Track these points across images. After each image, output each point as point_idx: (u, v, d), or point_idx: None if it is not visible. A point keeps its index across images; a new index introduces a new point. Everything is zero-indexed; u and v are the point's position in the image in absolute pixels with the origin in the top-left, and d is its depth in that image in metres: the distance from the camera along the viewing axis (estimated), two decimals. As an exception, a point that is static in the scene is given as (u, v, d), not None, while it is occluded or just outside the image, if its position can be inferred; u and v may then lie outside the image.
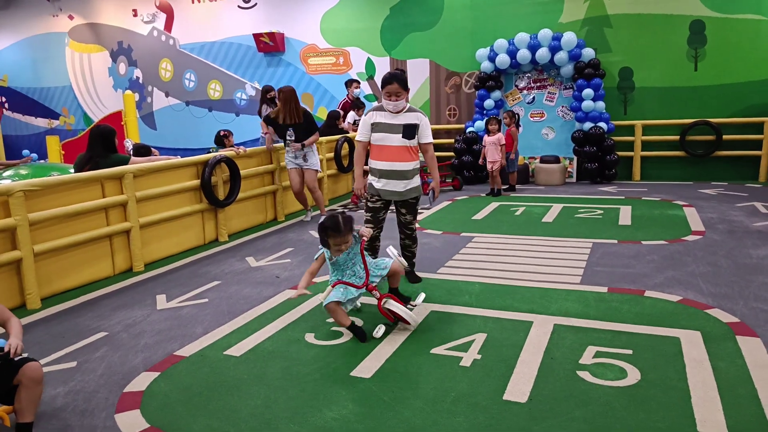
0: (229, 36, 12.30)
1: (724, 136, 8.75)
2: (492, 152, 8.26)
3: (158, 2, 12.89)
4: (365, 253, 3.68)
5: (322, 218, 3.58)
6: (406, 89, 4.17)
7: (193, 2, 12.53)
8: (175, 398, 2.90)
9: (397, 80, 4.09)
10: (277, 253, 5.66)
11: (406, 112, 4.21)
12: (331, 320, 3.81)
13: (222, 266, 5.36)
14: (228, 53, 12.43)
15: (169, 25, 12.91)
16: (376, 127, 4.24)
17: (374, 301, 3.74)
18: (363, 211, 4.22)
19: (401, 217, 4.46)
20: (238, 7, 12.09)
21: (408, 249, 4.56)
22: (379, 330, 3.56)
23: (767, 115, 8.59)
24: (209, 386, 3.01)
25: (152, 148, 7.06)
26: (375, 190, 4.34)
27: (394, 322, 3.64)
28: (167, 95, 13.30)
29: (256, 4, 11.91)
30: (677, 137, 9.03)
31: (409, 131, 4.19)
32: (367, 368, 3.13)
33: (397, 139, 4.19)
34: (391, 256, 3.75)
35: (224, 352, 3.42)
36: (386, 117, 4.21)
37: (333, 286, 3.53)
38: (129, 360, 3.38)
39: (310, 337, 3.59)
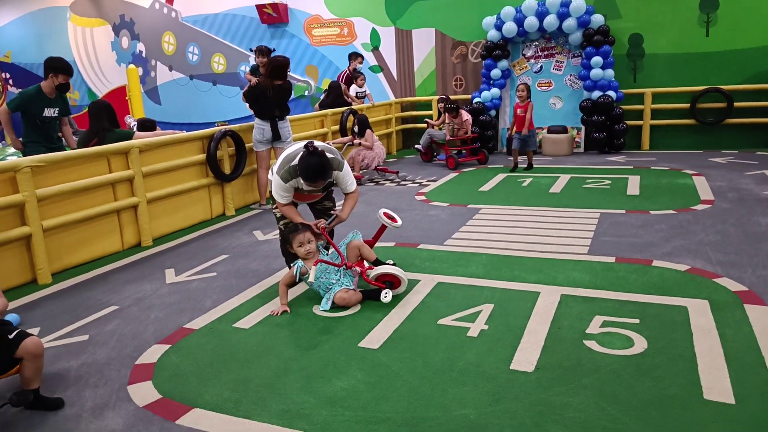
0: (232, 8, 12.14)
1: (736, 104, 8.61)
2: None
3: (159, -26, 12.71)
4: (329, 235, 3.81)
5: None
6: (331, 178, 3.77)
7: (194, -27, 12.34)
8: (187, 369, 2.94)
9: (322, 178, 3.63)
10: (284, 227, 5.68)
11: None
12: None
13: (230, 240, 5.38)
14: (231, 25, 12.28)
15: (170, -2, 12.74)
16: (296, 191, 3.84)
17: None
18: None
19: (317, 206, 4.13)
20: (240, -23, 11.89)
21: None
22: (387, 295, 3.60)
23: (780, 81, 8.43)
24: (220, 358, 3.05)
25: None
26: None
27: (384, 288, 3.66)
28: (171, 69, 13.21)
29: (258, -26, 11.71)
30: (687, 105, 8.90)
31: (328, 186, 3.98)
32: (375, 339, 3.15)
33: (318, 193, 4.00)
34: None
35: (233, 325, 3.45)
36: (301, 185, 3.78)
37: (315, 264, 3.61)
38: (140, 333, 3.43)
39: (317, 309, 3.62)
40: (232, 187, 6.45)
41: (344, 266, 3.70)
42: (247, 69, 6.77)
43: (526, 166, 7.99)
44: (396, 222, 4.09)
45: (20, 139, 5.66)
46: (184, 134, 6.00)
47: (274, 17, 11.51)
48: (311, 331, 3.31)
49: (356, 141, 7.79)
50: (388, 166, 8.82)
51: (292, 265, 3.71)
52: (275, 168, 3.80)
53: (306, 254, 3.66)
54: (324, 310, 3.58)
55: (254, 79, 6.69)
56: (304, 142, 3.64)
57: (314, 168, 3.57)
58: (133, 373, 2.95)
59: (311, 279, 3.60)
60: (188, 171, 5.94)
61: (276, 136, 6.37)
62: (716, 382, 2.54)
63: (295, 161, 3.64)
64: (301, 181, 3.69)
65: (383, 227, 4.17)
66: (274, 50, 6.90)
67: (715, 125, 8.84)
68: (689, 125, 9.04)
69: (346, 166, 3.86)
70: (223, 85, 12.66)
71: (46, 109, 5.48)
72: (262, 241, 5.29)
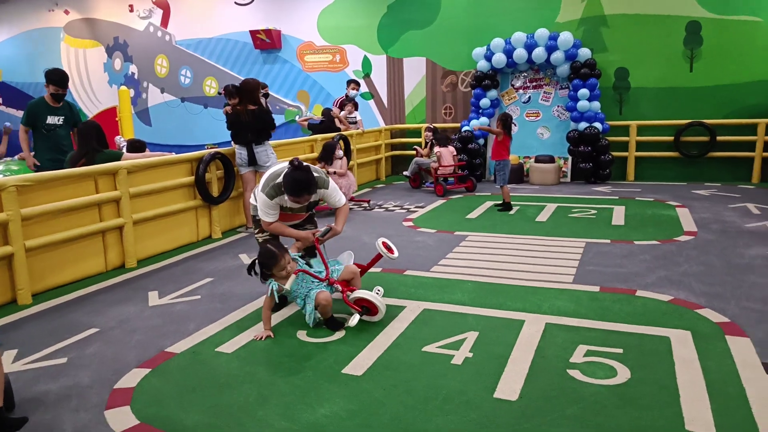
0: (226, 32, 12.28)
1: (718, 137, 8.78)
2: (447, 158, 8.43)
3: (154, -2, 12.86)
4: (321, 248, 3.79)
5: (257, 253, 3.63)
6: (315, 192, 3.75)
7: (189, -2, 12.50)
8: (167, 394, 2.90)
9: (308, 192, 3.61)
10: (271, 251, 5.66)
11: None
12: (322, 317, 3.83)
13: (215, 263, 5.35)
14: (224, 50, 12.40)
15: (165, 21, 12.88)
16: (282, 208, 3.82)
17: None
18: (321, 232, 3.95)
19: (299, 229, 4.01)
20: (235, 3, 12.07)
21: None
22: (354, 319, 3.61)
23: (761, 116, 8.62)
24: (201, 383, 3.01)
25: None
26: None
27: (361, 312, 3.66)
28: (162, 91, 13.27)
29: (252, 0, 11.88)
30: (672, 138, 9.07)
31: (312, 205, 3.97)
32: (358, 366, 3.13)
33: (301, 213, 3.98)
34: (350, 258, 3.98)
35: (216, 349, 3.42)
36: (289, 203, 3.76)
37: (296, 273, 3.56)
38: (121, 356, 3.38)
39: (302, 335, 3.59)
40: (219, 210, 6.44)
41: (327, 281, 3.69)
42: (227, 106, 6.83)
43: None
44: (393, 253, 4.06)
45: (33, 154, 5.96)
46: (173, 156, 6.00)
47: (268, 43, 11.65)
48: (294, 357, 3.28)
49: (330, 170, 7.43)
50: (372, 192, 8.85)
51: (267, 284, 3.64)
52: (259, 187, 3.80)
53: (283, 280, 3.58)
54: (311, 323, 3.60)
55: (228, 107, 6.74)
56: (288, 160, 3.66)
57: (300, 182, 3.55)
58: (112, 397, 2.90)
59: (287, 287, 3.51)
60: (176, 193, 5.93)
61: (252, 161, 6.36)
62: (698, 414, 2.55)
63: (280, 178, 3.64)
64: (286, 198, 3.68)
65: (379, 256, 4.13)
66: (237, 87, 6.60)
67: (699, 158, 9.00)
68: (673, 158, 9.20)
69: (332, 183, 3.87)
70: (214, 108, 12.72)
71: (49, 116, 5.89)
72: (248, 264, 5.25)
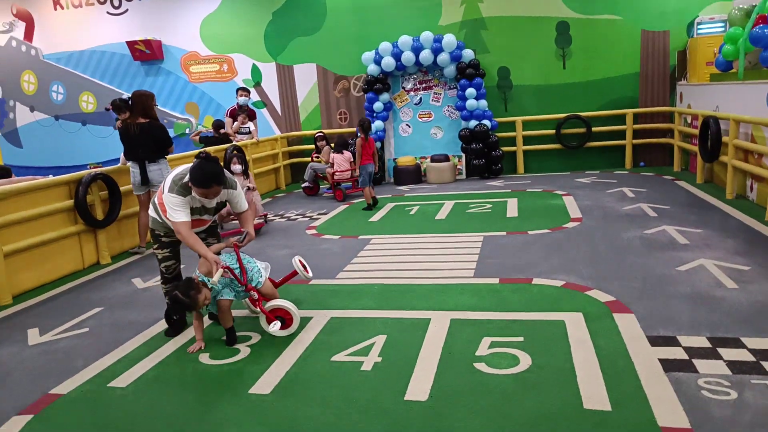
0: (100, 44, 11.50)
1: (594, 128, 9.47)
2: (342, 164, 8.50)
3: (15, 10, 11.80)
4: (240, 255, 3.73)
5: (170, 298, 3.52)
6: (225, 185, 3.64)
7: (55, 9, 11.59)
8: (53, 443, 2.63)
9: (217, 183, 3.47)
10: (166, 272, 5.35)
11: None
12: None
13: (105, 291, 4.97)
14: (100, 63, 11.62)
15: (29, 35, 11.85)
16: (192, 210, 3.60)
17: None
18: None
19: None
20: (108, 13, 11.34)
21: None
22: (275, 325, 3.58)
23: (628, 107, 9.41)
24: (94, 424, 2.76)
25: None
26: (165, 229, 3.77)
27: (273, 320, 3.61)
28: (32, 110, 12.20)
29: (127, 10, 11.23)
30: (553, 131, 9.66)
31: (220, 207, 3.83)
32: (266, 384, 3.02)
33: (207, 218, 3.76)
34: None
35: (108, 384, 3.16)
36: (201, 201, 3.61)
37: (223, 268, 3.49)
38: (-4, 406, 3.03)
39: (204, 358, 3.42)
40: (106, 233, 6.00)
41: (244, 286, 3.63)
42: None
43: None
44: (308, 273, 4.17)
45: None
46: (46, 180, 5.52)
47: (148, 54, 11.05)
48: (197, 383, 3.11)
49: (246, 183, 6.93)
50: (273, 202, 8.65)
51: (195, 275, 3.54)
52: (165, 189, 3.52)
53: (204, 301, 3.47)
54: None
55: (119, 122, 6.25)
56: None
57: (210, 173, 3.40)
58: (-13, 454, 2.59)
59: (215, 280, 3.42)
60: (54, 219, 5.45)
61: (144, 180, 5.90)
62: (594, 391, 2.70)
63: (187, 177, 3.47)
64: (195, 196, 3.49)
65: (294, 272, 4.14)
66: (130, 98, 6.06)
67: (578, 149, 9.66)
68: (557, 149, 9.80)
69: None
70: (93, 125, 11.88)
71: None
72: (143, 289, 4.94)
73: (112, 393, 3.07)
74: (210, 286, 3.48)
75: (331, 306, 4.11)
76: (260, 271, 3.78)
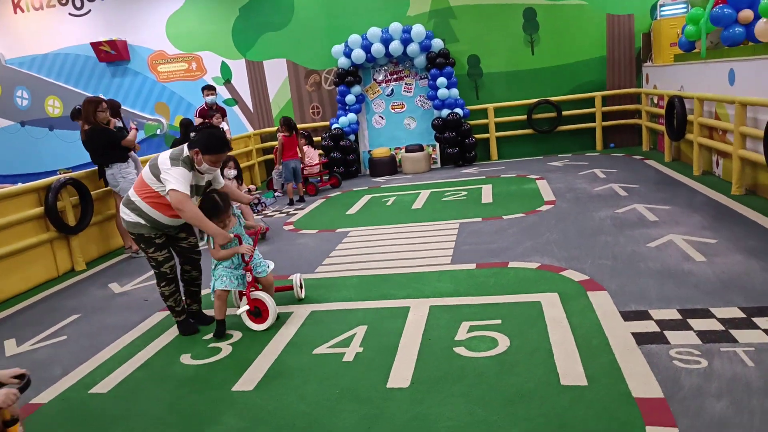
0: (64, 47, 11.24)
1: (564, 112, 9.59)
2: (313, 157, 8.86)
3: (-28, 13, 11.46)
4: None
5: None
6: None
7: (15, 12, 11.30)
8: (35, 451, 2.61)
9: (228, 147, 3.57)
10: (143, 275, 5.30)
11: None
12: (207, 337, 3.67)
13: (81, 297, 4.92)
14: (65, 66, 11.37)
15: (-11, 39, 11.53)
16: (192, 189, 3.54)
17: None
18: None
19: (182, 243, 3.84)
20: (70, 14, 11.10)
21: (194, 283, 3.94)
22: (244, 307, 3.67)
23: (596, 90, 9.55)
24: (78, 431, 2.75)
25: None
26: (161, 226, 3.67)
27: (253, 311, 3.69)
28: (-3, 117, 11.90)
29: (90, 10, 11.00)
30: (525, 117, 9.75)
31: (206, 189, 3.73)
32: (249, 380, 3.04)
33: (195, 201, 3.62)
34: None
35: (89, 391, 3.14)
36: (197, 179, 3.57)
37: (236, 236, 3.67)
38: (-25, 419, 2.99)
39: (186, 358, 3.41)
40: (80, 239, 5.92)
41: (246, 264, 3.70)
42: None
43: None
44: (302, 293, 4.22)
45: None
46: (14, 187, 5.42)
47: (113, 55, 10.85)
48: (179, 383, 3.11)
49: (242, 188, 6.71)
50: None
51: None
52: (166, 166, 3.41)
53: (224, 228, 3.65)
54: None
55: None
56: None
57: (220, 137, 3.49)
58: (-32, 467, 2.56)
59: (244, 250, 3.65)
60: (24, 227, 5.36)
61: (105, 183, 6.14)
62: (570, 368, 2.77)
63: (186, 152, 3.47)
64: (198, 168, 3.49)
65: (290, 287, 4.22)
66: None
67: (549, 133, 9.78)
68: (529, 134, 9.90)
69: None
70: (61, 129, 11.65)
71: None
72: (120, 293, 4.89)
73: (95, 399, 3.05)
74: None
75: (312, 300, 4.13)
76: (266, 263, 3.88)
